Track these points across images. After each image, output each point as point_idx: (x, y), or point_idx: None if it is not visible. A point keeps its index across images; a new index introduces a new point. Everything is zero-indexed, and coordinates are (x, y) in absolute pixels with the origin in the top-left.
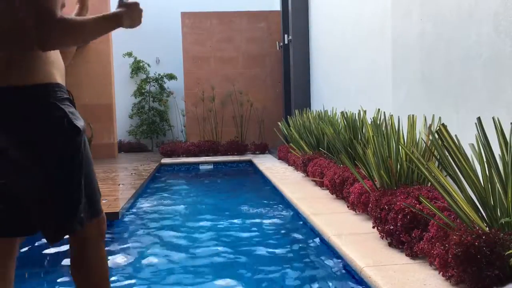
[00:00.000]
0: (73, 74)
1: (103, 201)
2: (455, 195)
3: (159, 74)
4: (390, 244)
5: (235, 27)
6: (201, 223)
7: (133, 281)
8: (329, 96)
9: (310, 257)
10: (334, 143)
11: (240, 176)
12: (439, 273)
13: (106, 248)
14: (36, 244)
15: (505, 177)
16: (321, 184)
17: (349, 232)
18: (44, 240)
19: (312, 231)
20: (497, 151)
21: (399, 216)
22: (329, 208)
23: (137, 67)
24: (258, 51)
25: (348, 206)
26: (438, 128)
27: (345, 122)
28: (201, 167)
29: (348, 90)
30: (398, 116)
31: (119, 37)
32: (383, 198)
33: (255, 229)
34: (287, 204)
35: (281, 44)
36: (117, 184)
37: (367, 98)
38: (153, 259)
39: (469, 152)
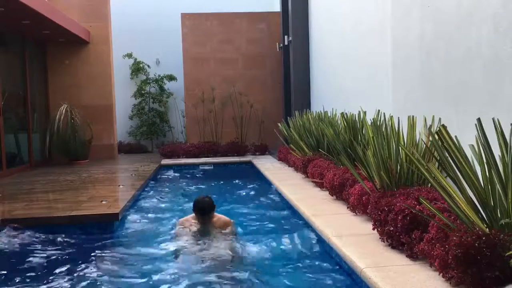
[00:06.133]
0: (73, 75)
1: (102, 202)
2: (455, 196)
3: (159, 75)
4: (390, 245)
5: (235, 28)
6: None
7: (132, 281)
8: (329, 97)
9: (310, 258)
10: (334, 144)
11: (241, 177)
12: (439, 274)
13: (106, 249)
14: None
15: (505, 178)
16: (321, 185)
17: (349, 233)
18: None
19: (312, 232)
20: (497, 152)
21: (399, 217)
22: (329, 209)
23: (137, 68)
24: (258, 52)
25: (348, 207)
26: (438, 129)
27: (345, 123)
28: (201, 168)
29: (348, 91)
30: (398, 117)
31: (119, 38)
32: (382, 199)
33: (255, 230)
34: (287, 205)
35: (281, 45)
36: (117, 185)
37: (367, 99)
38: (152, 259)
39: (469, 153)
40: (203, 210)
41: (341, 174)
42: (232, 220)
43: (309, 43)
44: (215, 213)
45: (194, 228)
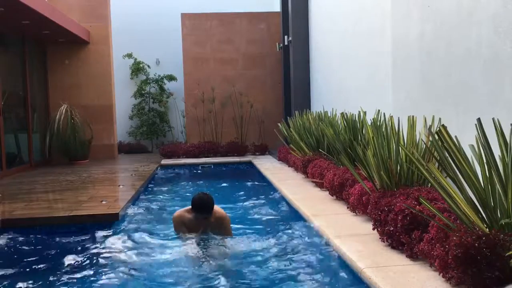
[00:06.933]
0: (73, 75)
1: (102, 202)
2: (455, 196)
3: (159, 75)
4: (390, 245)
5: (235, 29)
6: None
7: (132, 281)
8: (329, 97)
9: (310, 258)
10: (334, 144)
11: (240, 177)
12: (439, 274)
13: (107, 249)
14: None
15: (505, 178)
16: (321, 185)
17: (349, 233)
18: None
19: (313, 233)
20: (497, 152)
21: (399, 217)
22: (329, 209)
23: (137, 68)
24: (258, 52)
25: (348, 207)
26: (438, 129)
27: (345, 123)
28: (201, 168)
29: (348, 91)
30: (398, 117)
31: (119, 38)
32: (382, 199)
33: (255, 232)
34: (288, 205)
35: (281, 45)
36: (117, 185)
37: (367, 99)
38: (152, 260)
39: (469, 153)
40: (207, 209)
41: (341, 174)
42: (227, 216)
43: (309, 43)
44: None
45: (191, 227)
